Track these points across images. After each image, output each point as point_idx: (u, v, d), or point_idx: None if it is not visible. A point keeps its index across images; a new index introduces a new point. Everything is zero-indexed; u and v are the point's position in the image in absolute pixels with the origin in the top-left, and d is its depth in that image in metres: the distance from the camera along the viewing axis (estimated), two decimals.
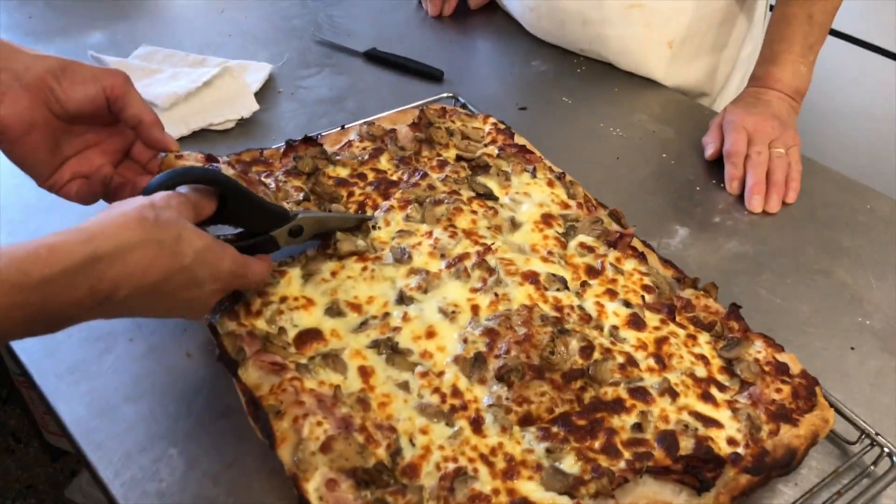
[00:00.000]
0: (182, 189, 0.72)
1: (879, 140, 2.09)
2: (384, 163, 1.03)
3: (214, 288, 0.72)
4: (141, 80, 1.19)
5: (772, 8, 1.25)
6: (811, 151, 1.19)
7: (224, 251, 0.72)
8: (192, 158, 0.87)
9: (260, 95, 1.26)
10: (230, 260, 0.73)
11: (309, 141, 1.03)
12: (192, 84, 1.17)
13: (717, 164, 1.17)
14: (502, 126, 1.13)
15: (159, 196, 0.68)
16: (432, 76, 1.36)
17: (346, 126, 1.11)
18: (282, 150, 1.02)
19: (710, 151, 1.17)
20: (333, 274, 0.86)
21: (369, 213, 0.95)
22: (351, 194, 0.98)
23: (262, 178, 0.96)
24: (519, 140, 1.11)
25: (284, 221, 0.83)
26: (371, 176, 1.01)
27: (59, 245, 0.59)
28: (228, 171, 0.88)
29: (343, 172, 1.01)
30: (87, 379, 0.81)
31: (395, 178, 1.01)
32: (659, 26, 1.31)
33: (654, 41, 1.32)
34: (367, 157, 1.03)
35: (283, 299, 0.83)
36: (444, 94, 1.24)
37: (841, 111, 2.15)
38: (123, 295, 0.62)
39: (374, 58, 1.40)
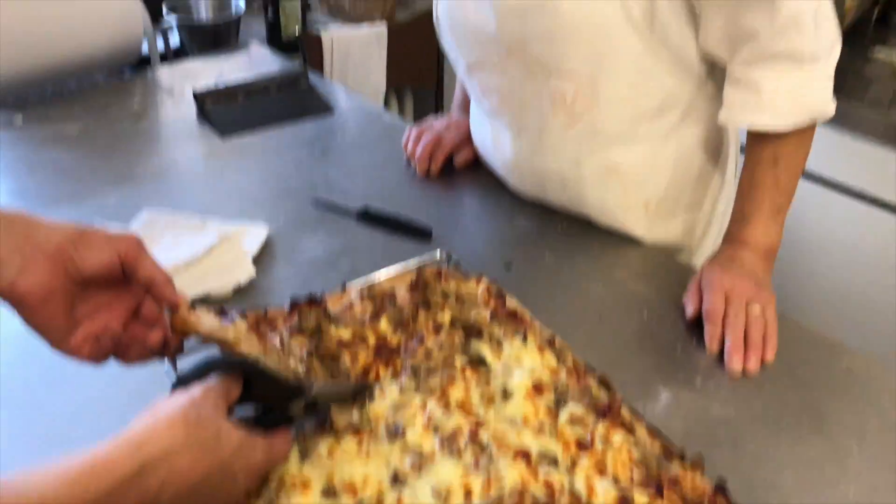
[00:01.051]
0: (210, 380, 0.78)
1: (852, 291, 2.14)
2: (384, 325, 1.07)
3: (248, 479, 0.77)
4: None
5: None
6: (785, 304, 1.24)
7: (255, 443, 0.78)
8: (203, 312, 0.88)
9: (256, 259, 1.31)
10: (261, 450, 0.79)
11: (312, 301, 1.08)
12: (191, 255, 1.22)
13: (696, 323, 1.21)
14: (494, 289, 1.17)
15: (198, 391, 0.74)
16: (422, 234, 1.42)
17: (346, 285, 1.15)
18: (286, 308, 1.06)
19: (689, 311, 1.22)
20: (330, 452, 0.88)
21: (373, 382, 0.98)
22: (354, 358, 1.01)
23: (270, 336, 1.00)
24: (510, 303, 1.15)
25: (300, 395, 0.87)
26: (372, 340, 1.04)
27: (110, 458, 0.64)
28: (242, 325, 0.91)
29: (345, 334, 1.05)
30: None
31: (394, 342, 1.04)
32: (636, 189, 1.39)
33: (632, 202, 1.40)
34: (367, 318, 1.07)
35: (282, 480, 0.85)
36: (438, 251, 1.28)
37: (812, 259, 2.22)
38: (167, 497, 0.67)
39: (367, 216, 1.47)
